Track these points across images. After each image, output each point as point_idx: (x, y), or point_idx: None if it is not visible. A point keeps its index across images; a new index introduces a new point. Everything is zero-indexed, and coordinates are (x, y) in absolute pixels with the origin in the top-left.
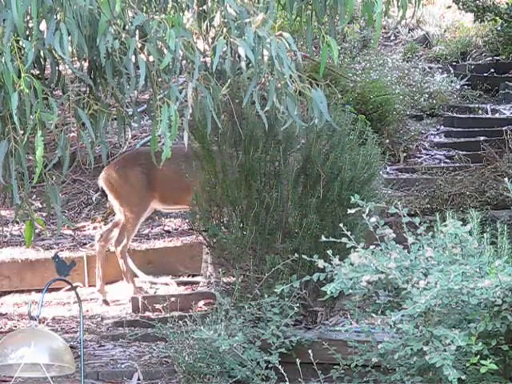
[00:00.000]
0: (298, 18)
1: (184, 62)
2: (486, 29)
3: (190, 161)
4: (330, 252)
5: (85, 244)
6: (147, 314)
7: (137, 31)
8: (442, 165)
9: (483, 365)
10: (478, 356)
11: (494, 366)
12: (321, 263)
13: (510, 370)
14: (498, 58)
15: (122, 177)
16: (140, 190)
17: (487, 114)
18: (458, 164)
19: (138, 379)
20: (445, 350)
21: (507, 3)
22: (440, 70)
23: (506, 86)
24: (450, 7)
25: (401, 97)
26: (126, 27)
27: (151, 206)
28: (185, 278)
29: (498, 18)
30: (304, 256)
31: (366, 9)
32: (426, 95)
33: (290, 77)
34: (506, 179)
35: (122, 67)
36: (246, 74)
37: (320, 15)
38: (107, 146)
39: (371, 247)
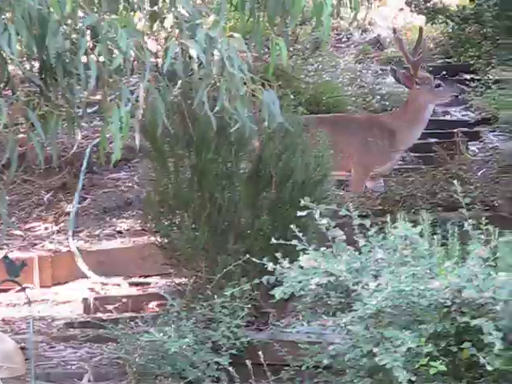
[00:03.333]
0: (251, 19)
1: (135, 62)
2: (437, 31)
3: None
4: (279, 255)
5: (35, 244)
6: (98, 315)
7: (88, 31)
8: (394, 166)
9: (433, 366)
10: (428, 357)
11: (444, 368)
12: (270, 266)
13: (460, 371)
14: (449, 60)
15: None
16: None
17: (438, 116)
18: (409, 166)
19: (89, 380)
20: (395, 352)
21: (458, 6)
22: None
23: (457, 88)
24: (402, 9)
25: (353, 98)
26: (77, 27)
27: None
28: (136, 279)
29: (448, 20)
30: (254, 259)
31: (315, 11)
32: (379, 97)
33: (242, 78)
34: (455, 181)
35: (73, 68)
36: (198, 75)
37: (271, 16)
38: (57, 147)
39: (322, 249)
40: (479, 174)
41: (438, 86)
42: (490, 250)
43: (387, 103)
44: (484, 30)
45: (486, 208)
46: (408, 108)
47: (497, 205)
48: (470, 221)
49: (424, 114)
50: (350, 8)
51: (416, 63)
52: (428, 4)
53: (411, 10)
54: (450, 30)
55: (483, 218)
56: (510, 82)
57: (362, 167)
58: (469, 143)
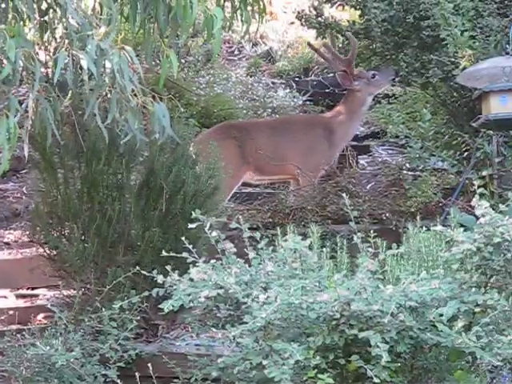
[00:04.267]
0: (142, 31)
1: (25, 72)
2: None
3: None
4: (169, 267)
5: None
6: None
7: None
8: None
9: (320, 379)
10: (316, 370)
11: (331, 380)
12: (160, 279)
13: (347, 383)
14: None
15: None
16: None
17: None
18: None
19: None
20: (283, 364)
21: (348, 21)
22: (283, 86)
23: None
24: (293, 23)
25: (244, 111)
26: None
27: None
28: (24, 291)
29: (339, 35)
30: (144, 272)
31: (207, 23)
32: (269, 110)
33: (132, 90)
34: (344, 194)
35: None
36: (89, 86)
37: (162, 28)
38: None
39: (212, 261)
40: (368, 187)
41: (373, 76)
42: (378, 262)
43: (277, 116)
44: (373, 45)
45: (375, 221)
46: (347, 104)
47: (385, 218)
48: (358, 234)
49: (363, 107)
50: (242, 21)
51: (349, 61)
52: (319, 18)
53: (302, 24)
54: (341, 45)
55: (371, 231)
56: (398, 97)
57: (309, 174)
58: (358, 157)
